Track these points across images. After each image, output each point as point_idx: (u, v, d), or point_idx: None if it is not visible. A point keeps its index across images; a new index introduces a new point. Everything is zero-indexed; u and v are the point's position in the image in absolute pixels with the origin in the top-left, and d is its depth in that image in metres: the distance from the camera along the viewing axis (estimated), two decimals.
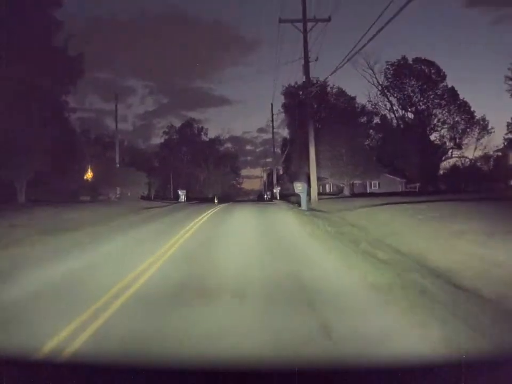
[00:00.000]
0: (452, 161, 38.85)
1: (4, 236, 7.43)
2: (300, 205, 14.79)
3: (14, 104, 14.75)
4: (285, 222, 10.23)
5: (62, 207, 13.83)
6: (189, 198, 33.66)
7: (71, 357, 2.29)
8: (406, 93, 37.23)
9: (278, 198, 31.02)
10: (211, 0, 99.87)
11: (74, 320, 2.85)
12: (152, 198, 35.93)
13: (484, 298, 3.22)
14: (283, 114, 38.95)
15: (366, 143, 29.71)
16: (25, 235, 7.60)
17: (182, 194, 31.97)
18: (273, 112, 37.63)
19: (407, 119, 38.37)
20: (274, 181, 38.25)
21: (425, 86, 36.45)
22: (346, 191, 27.06)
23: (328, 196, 23.66)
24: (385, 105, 38.44)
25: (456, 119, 36.81)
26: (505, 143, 33.23)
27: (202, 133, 54.97)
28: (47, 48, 17.29)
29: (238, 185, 64.26)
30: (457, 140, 37.15)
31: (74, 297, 3.50)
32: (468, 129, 37.01)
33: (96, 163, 25.64)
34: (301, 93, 35.58)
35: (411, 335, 2.54)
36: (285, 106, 37.85)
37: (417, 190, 34.63)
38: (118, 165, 27.47)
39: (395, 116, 38.60)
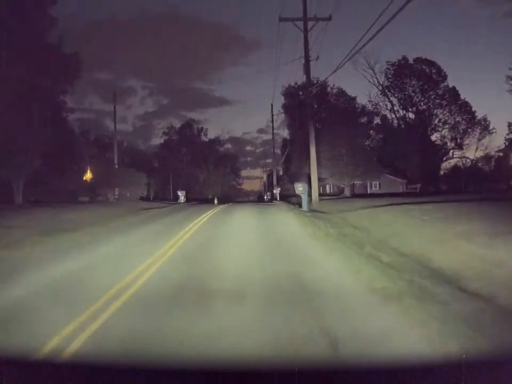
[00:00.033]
0: (452, 161, 38.93)
1: (3, 236, 7.45)
2: (300, 205, 14.74)
3: (11, 104, 14.74)
4: (285, 223, 10.21)
5: (61, 208, 13.81)
6: (188, 199, 33.68)
7: (71, 357, 2.31)
8: (406, 93, 37.29)
9: (278, 198, 31.03)
10: (211, 0, 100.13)
11: (73, 321, 2.87)
12: (152, 198, 35.96)
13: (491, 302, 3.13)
14: (283, 114, 39.05)
15: (366, 143, 29.75)
16: (24, 236, 7.62)
17: (181, 195, 32.00)
18: (273, 113, 37.76)
19: (408, 119, 38.42)
20: (274, 182, 38.28)
21: (426, 86, 36.49)
22: (347, 192, 27.08)
23: (328, 197, 23.65)
24: (386, 105, 38.52)
25: (457, 119, 36.86)
26: (507, 143, 33.26)
27: (202, 134, 55.12)
28: (42, 46, 17.16)
29: (238, 186, 64.36)
30: (458, 140, 37.19)
31: (74, 298, 3.52)
32: (469, 130, 37.05)
33: (95, 164, 25.68)
34: (301, 93, 35.66)
35: (411, 334, 2.56)
36: (285, 106, 37.93)
37: (418, 190, 34.65)
38: (116, 166, 27.49)
39: (396, 116, 38.67)
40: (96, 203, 20.71)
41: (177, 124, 56.18)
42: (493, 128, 36.97)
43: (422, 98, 37.08)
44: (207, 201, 32.06)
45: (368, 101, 38.88)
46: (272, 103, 56.06)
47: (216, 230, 8.81)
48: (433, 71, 36.45)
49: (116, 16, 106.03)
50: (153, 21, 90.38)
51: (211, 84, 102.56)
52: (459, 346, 2.35)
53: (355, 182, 30.34)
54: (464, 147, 37.73)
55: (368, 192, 34.69)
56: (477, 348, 2.37)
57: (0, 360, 1.90)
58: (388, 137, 35.44)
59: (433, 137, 37.63)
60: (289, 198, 26.72)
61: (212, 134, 64.38)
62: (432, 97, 36.78)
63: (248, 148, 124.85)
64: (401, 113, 38.66)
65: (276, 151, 41.90)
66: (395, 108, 38.41)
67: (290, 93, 36.94)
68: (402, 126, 38.24)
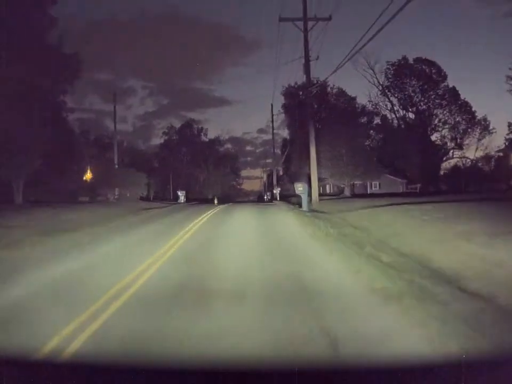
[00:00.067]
0: (452, 161, 38.94)
1: (3, 236, 7.46)
2: (300, 206, 14.71)
3: (11, 104, 14.70)
4: (285, 223, 10.20)
5: (61, 208, 13.79)
6: (188, 199, 33.68)
7: (71, 357, 2.31)
8: (406, 93, 37.30)
9: (278, 198, 31.04)
10: (211, 0, 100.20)
11: (73, 321, 2.87)
12: (152, 198, 35.98)
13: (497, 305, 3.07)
14: (283, 114, 39.09)
15: (366, 143, 29.76)
16: (24, 236, 7.62)
17: (181, 195, 32.02)
18: (273, 113, 37.78)
19: (408, 119, 38.43)
20: (274, 182, 38.30)
21: (426, 86, 36.50)
22: (347, 192, 27.09)
23: (328, 197, 23.64)
24: (386, 105, 38.53)
25: (457, 119, 36.86)
26: (506, 143, 33.30)
27: (202, 134, 55.16)
28: (42, 47, 17.10)
29: (238, 186, 64.40)
30: (458, 140, 37.20)
31: (74, 298, 3.52)
32: (469, 130, 37.06)
33: (95, 164, 25.70)
34: (301, 93, 35.68)
35: (411, 334, 2.57)
36: (285, 106, 37.96)
37: (418, 190, 34.66)
38: (116, 166, 27.51)
39: (396, 116, 38.69)
40: (96, 203, 20.72)
41: (177, 124, 56.32)
42: (493, 128, 37.02)
43: (422, 98, 37.11)
44: (207, 201, 32.06)
45: (368, 101, 38.96)
46: (272, 103, 56.13)
47: (216, 230, 8.81)
48: (433, 71, 36.46)
49: (116, 16, 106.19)
50: (153, 21, 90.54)
51: (211, 84, 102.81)
52: (459, 346, 2.35)
53: (355, 182, 30.36)
54: (464, 147, 37.77)
55: (368, 192, 34.70)
56: (477, 347, 2.37)
57: (0, 360, 1.90)
58: (387, 137, 35.45)
59: (433, 137, 37.69)
60: (289, 198, 26.71)
61: (211, 134, 64.46)
62: (432, 97, 36.80)
63: (248, 148, 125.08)
64: (401, 113, 38.71)
65: (275, 151, 42.01)
66: (395, 108, 38.46)
67: (290, 93, 36.96)
68: (403, 126, 38.25)
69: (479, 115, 36.90)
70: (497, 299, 3.19)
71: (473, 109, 36.61)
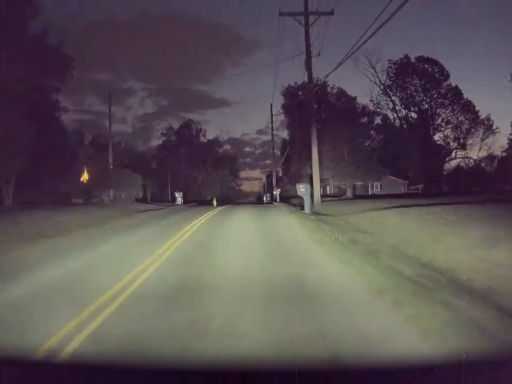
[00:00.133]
0: (455, 162, 39.08)
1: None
2: (302, 207, 14.39)
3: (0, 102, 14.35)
4: (288, 226, 9.65)
5: (52, 211, 13.53)
6: (186, 201, 33.65)
7: (70, 357, 2.35)
8: (408, 92, 37.42)
9: (278, 200, 31.03)
10: (211, 0, 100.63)
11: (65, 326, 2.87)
12: (149, 200, 35.96)
13: None
14: (282, 115, 39.23)
15: (367, 144, 29.85)
16: (18, 239, 7.63)
17: (179, 196, 32.01)
18: (273, 113, 37.90)
19: (410, 118, 38.56)
20: (274, 183, 38.36)
21: (428, 85, 36.62)
22: (349, 193, 27.13)
23: (330, 198, 23.53)
24: (388, 104, 38.67)
25: (460, 119, 36.96)
26: (510, 143, 33.50)
27: (201, 134, 55.25)
28: (25, 37, 16.41)
29: (237, 187, 64.44)
30: (461, 140, 37.30)
31: (69, 301, 3.53)
32: (472, 129, 37.17)
33: (90, 164, 25.68)
34: (300, 93, 35.84)
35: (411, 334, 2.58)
36: (284, 107, 38.07)
37: (420, 191, 34.77)
38: (111, 167, 27.48)
39: (397, 116, 38.82)
40: (89, 205, 20.65)
41: (177, 125, 56.35)
42: (497, 128, 37.16)
43: (424, 98, 37.23)
44: (206, 203, 32.01)
45: (370, 100, 39.10)
46: (272, 103, 56.19)
47: (214, 241, 7.58)
48: (436, 69, 36.60)
49: (116, 16, 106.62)
50: (153, 21, 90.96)
51: (211, 85, 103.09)
52: None
53: (356, 183, 30.43)
54: (467, 147, 37.90)
55: (369, 193, 34.79)
56: None
57: (0, 360, 1.94)
58: (389, 138, 35.56)
59: (435, 137, 37.78)
60: (289, 200, 26.71)
61: (211, 135, 64.86)
62: (435, 96, 36.91)
63: (247, 149, 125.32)
64: (403, 113, 38.85)
65: (275, 151, 42.11)
66: (397, 108, 38.59)
67: (290, 93, 37.08)
68: (405, 125, 38.38)
69: (482, 114, 37.11)
70: None
71: (476, 108, 36.80)
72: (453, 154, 38.52)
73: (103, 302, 3.43)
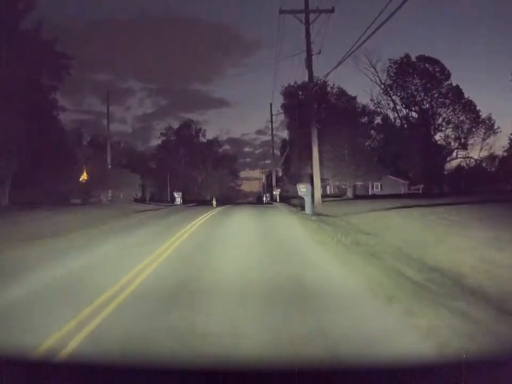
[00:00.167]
0: (455, 162, 39.14)
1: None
2: (302, 208, 14.29)
3: None
4: (289, 228, 9.50)
5: (50, 211, 13.50)
6: (185, 201, 33.65)
7: (70, 357, 2.36)
8: (409, 91, 37.48)
9: (278, 200, 31.05)
10: (211, 0, 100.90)
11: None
12: (147, 200, 35.97)
13: None
14: (282, 115, 39.30)
15: (367, 143, 29.93)
16: (17, 240, 7.64)
17: (178, 196, 32.02)
18: (273, 113, 37.97)
19: (411, 118, 38.62)
20: (274, 183, 38.43)
21: (429, 85, 36.67)
22: (349, 193, 27.18)
23: (330, 198, 23.46)
24: (388, 104, 38.73)
25: (461, 119, 37.02)
26: (511, 143, 33.58)
27: (200, 134, 55.29)
28: (18, 33, 15.97)
29: (237, 187, 64.48)
30: (462, 140, 37.36)
31: (66, 302, 3.54)
32: (474, 129, 37.24)
33: (89, 164, 25.66)
34: (300, 93, 35.90)
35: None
36: (284, 106, 38.12)
37: (420, 191, 34.84)
38: (110, 166, 27.48)
39: (398, 115, 38.88)
40: (88, 205, 20.64)
41: (176, 125, 56.36)
42: (498, 128, 37.23)
43: (425, 97, 37.27)
44: (205, 203, 32.01)
45: (370, 99, 39.10)
46: (271, 102, 56.24)
47: (214, 240, 7.67)
48: (437, 69, 36.66)
49: (116, 16, 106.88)
50: (153, 21, 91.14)
51: (210, 85, 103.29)
52: None
53: (356, 183, 30.49)
54: (468, 147, 37.97)
55: (370, 193, 34.85)
56: None
57: (0, 360, 1.96)
58: (389, 137, 35.62)
59: (436, 137, 37.84)
60: (289, 200, 26.74)
61: (210, 135, 64.83)
62: (436, 96, 36.96)
63: (246, 149, 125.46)
64: (404, 113, 38.91)
65: (275, 152, 42.17)
66: (397, 107, 38.66)
67: (290, 93, 37.12)
68: (405, 125, 38.45)
69: (483, 114, 37.17)
70: None
71: (477, 108, 36.87)
72: (454, 154, 38.60)
73: (98, 305, 3.42)
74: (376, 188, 36.40)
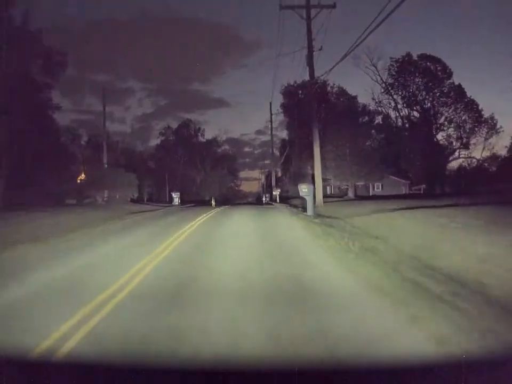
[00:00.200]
0: (457, 162, 39.22)
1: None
2: (304, 209, 14.10)
3: None
4: (290, 230, 9.28)
5: (42, 213, 13.23)
6: (184, 201, 33.60)
7: (70, 357, 2.39)
8: (410, 90, 37.58)
9: (278, 200, 31.05)
10: (211, 0, 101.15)
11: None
12: (145, 200, 35.93)
13: None
14: (282, 116, 39.37)
15: (368, 143, 30.00)
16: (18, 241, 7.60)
17: (176, 197, 31.99)
18: (272, 113, 38.01)
19: (412, 117, 38.70)
20: (273, 183, 38.46)
21: (430, 84, 36.75)
22: (351, 193, 27.17)
23: (332, 199, 23.32)
24: (390, 103, 38.82)
25: (463, 118, 37.11)
26: None
27: (199, 134, 55.32)
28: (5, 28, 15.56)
29: (236, 188, 64.53)
30: (464, 140, 37.46)
31: (61, 305, 3.53)
32: (476, 129, 37.33)
33: (84, 164, 25.65)
34: (300, 92, 35.95)
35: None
36: (284, 106, 38.18)
37: (422, 192, 34.90)
38: (106, 166, 27.42)
39: (399, 115, 38.97)
40: (83, 206, 20.54)
41: (176, 125, 56.38)
42: (500, 127, 37.32)
43: (427, 96, 37.35)
44: (204, 203, 31.96)
45: (372, 98, 39.19)
46: (271, 102, 56.31)
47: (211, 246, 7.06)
48: (438, 68, 36.75)
49: (116, 16, 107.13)
50: (153, 21, 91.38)
51: (210, 85, 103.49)
52: None
53: (357, 183, 30.54)
54: (470, 147, 38.05)
55: (370, 193, 34.89)
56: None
57: (0, 360, 1.99)
58: (391, 137, 35.69)
59: (438, 137, 37.94)
60: (289, 200, 26.76)
61: (210, 135, 64.95)
62: (437, 95, 37.04)
63: (246, 149, 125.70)
64: (406, 112, 39.00)
65: (274, 152, 42.22)
66: (399, 106, 38.75)
67: (290, 92, 37.20)
68: (407, 125, 38.53)
69: (485, 113, 37.26)
70: None
71: (480, 107, 36.96)
72: (456, 154, 38.68)
73: (98, 304, 3.45)
74: (377, 188, 36.46)
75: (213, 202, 27.34)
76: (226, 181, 55.87)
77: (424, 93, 37.28)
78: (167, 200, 37.96)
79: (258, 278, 4.33)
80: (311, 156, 16.41)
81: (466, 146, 37.61)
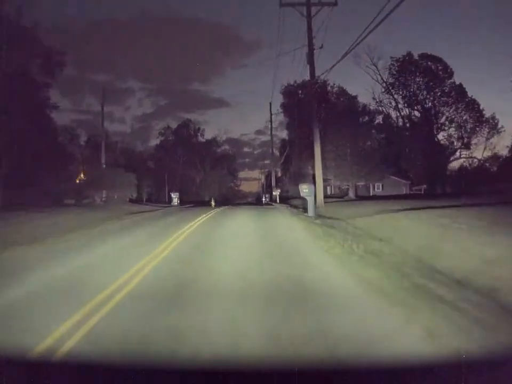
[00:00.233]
0: (458, 162, 39.26)
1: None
2: (304, 209, 14.07)
3: None
4: (291, 231, 9.20)
5: (39, 213, 13.17)
6: (183, 201, 33.60)
7: (70, 357, 2.41)
8: (411, 90, 37.62)
9: (278, 201, 31.06)
10: (211, 0, 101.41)
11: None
12: (144, 201, 35.94)
13: None
14: (281, 116, 39.42)
15: (369, 143, 30.05)
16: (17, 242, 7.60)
17: (175, 197, 31.99)
18: (272, 113, 38.04)
19: (413, 117, 38.75)
20: (273, 183, 38.49)
21: (431, 83, 36.80)
22: (351, 194, 27.19)
23: (332, 199, 23.22)
24: (390, 103, 38.86)
25: (464, 118, 37.16)
26: None
27: (199, 134, 55.38)
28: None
29: (236, 188, 64.60)
30: (466, 140, 37.50)
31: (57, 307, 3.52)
32: (477, 128, 37.37)
33: (83, 164, 25.65)
34: (300, 92, 35.99)
35: None
36: (283, 106, 38.24)
37: (422, 192, 34.92)
38: (104, 166, 27.41)
39: (400, 115, 39.01)
40: (81, 206, 20.50)
41: (175, 125, 56.42)
42: (502, 127, 37.37)
43: (428, 96, 37.39)
44: (204, 204, 31.94)
45: (372, 98, 39.23)
46: (271, 101, 56.35)
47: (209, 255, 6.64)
48: (439, 67, 36.80)
49: (116, 16, 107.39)
50: (153, 21, 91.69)
51: (210, 85, 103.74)
52: None
53: (357, 183, 30.57)
54: (471, 147, 38.10)
55: (371, 193, 34.91)
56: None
57: (0, 360, 2.00)
58: (391, 137, 35.73)
59: (439, 136, 37.98)
60: (289, 200, 26.79)
61: (210, 135, 65.09)
62: (438, 94, 37.09)
63: (246, 149, 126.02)
64: (406, 112, 39.05)
65: (274, 152, 42.25)
66: (399, 106, 38.79)
67: (290, 92, 37.24)
68: (407, 124, 38.57)
69: (487, 113, 37.31)
70: None
71: (481, 107, 37.00)
72: (457, 153, 38.72)
73: (98, 303, 3.47)
74: (377, 188, 36.48)
75: (213, 203, 27.35)
76: (226, 181, 55.94)
77: (425, 92, 37.34)
78: (167, 200, 37.96)
79: (258, 278, 4.35)
80: (311, 156, 16.42)
81: (467, 146, 37.67)
